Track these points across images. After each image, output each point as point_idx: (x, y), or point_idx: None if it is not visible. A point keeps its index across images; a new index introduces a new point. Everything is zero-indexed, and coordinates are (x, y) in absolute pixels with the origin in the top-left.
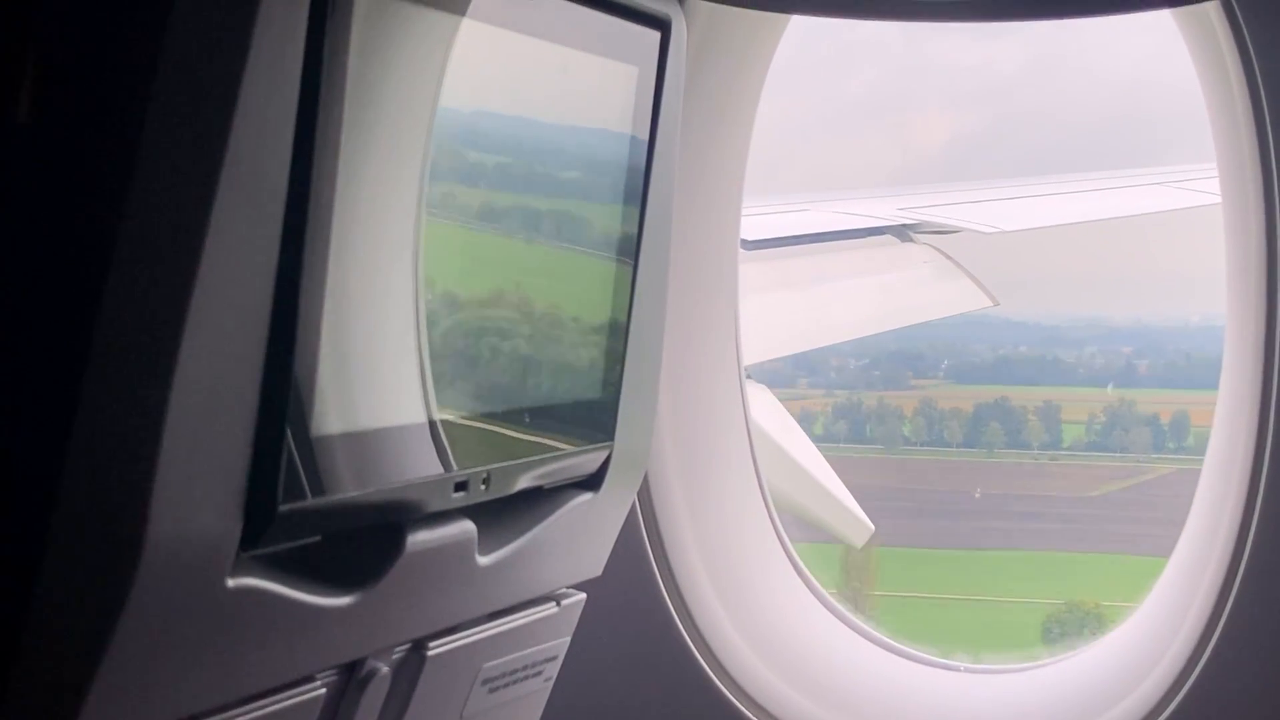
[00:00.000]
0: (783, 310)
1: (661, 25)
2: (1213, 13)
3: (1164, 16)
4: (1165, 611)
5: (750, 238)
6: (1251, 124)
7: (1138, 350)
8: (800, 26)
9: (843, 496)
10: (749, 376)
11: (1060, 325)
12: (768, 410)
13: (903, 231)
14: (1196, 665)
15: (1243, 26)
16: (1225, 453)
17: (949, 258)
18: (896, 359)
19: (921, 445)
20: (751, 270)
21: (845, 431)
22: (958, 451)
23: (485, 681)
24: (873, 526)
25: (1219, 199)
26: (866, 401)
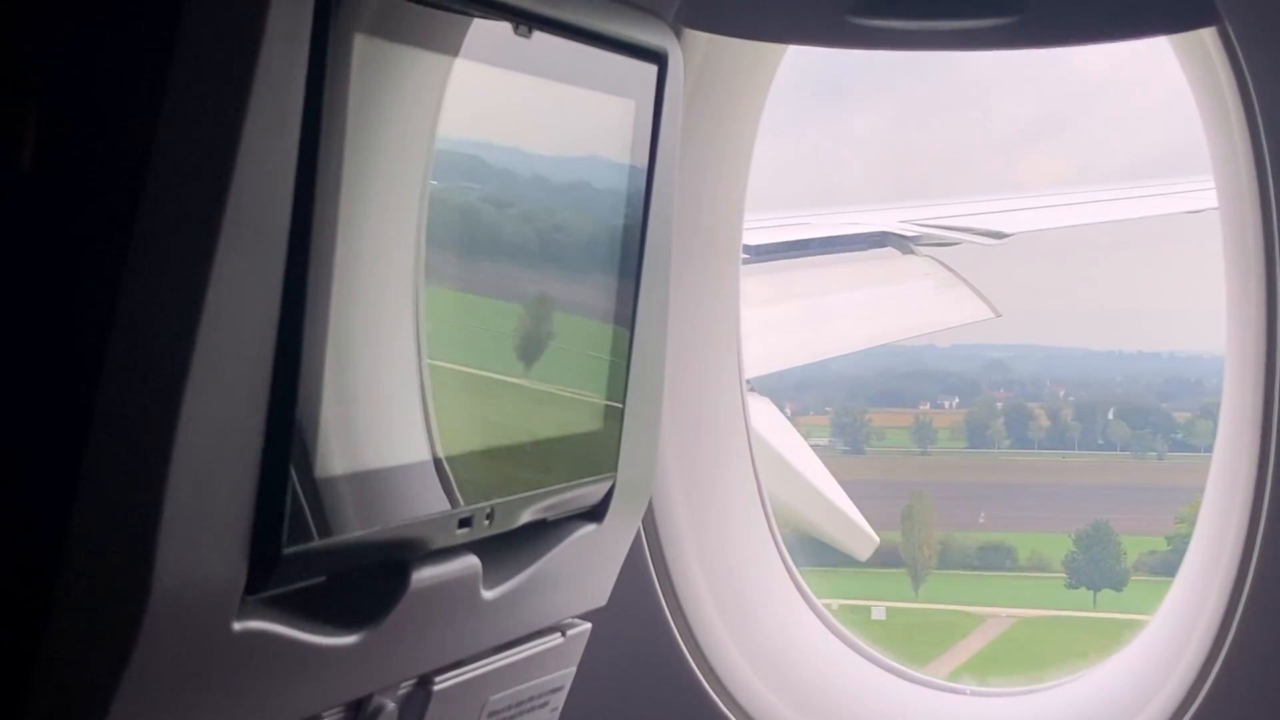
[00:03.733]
0: (784, 322)
1: (658, 58)
2: (1208, 39)
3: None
4: (1170, 632)
5: (750, 243)
6: (1248, 144)
7: None
8: None
9: (847, 509)
10: (750, 389)
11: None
12: (771, 424)
13: (904, 243)
14: (1203, 685)
15: (1239, 52)
16: (1228, 473)
17: (950, 269)
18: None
19: None
20: (751, 283)
21: None
22: None
23: (491, 714)
24: (876, 539)
25: None
26: None
